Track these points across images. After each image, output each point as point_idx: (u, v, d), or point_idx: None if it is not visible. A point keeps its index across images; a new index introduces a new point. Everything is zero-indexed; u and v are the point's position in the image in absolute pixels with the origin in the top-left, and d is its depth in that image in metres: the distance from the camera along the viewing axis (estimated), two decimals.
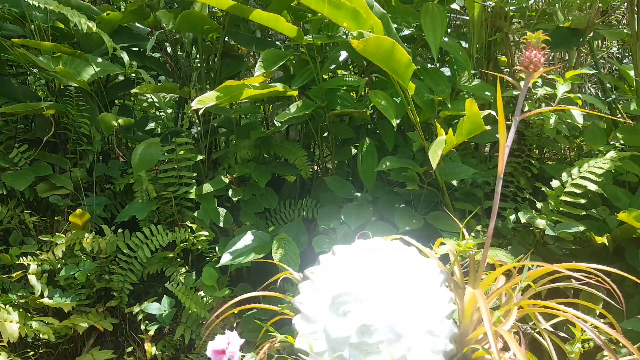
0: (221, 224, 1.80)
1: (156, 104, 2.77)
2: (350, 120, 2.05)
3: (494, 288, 1.05)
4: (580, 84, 2.85)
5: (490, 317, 0.80)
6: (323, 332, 0.98)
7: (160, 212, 1.89)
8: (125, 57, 1.79)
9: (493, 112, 1.29)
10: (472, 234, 1.15)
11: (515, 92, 1.58)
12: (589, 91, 2.79)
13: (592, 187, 1.59)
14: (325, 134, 2.05)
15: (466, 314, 0.97)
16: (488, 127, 1.29)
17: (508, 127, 1.03)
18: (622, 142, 1.77)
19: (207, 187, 1.78)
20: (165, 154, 1.83)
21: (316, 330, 0.99)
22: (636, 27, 1.71)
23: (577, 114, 1.49)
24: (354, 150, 2.00)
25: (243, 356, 0.95)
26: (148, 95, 2.54)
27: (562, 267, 1.01)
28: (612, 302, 1.24)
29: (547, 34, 1.75)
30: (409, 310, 0.95)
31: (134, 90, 1.76)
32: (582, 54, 2.68)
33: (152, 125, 2.41)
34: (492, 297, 1.00)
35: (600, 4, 1.59)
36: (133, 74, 2.12)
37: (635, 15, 1.72)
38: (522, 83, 0.99)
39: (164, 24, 1.74)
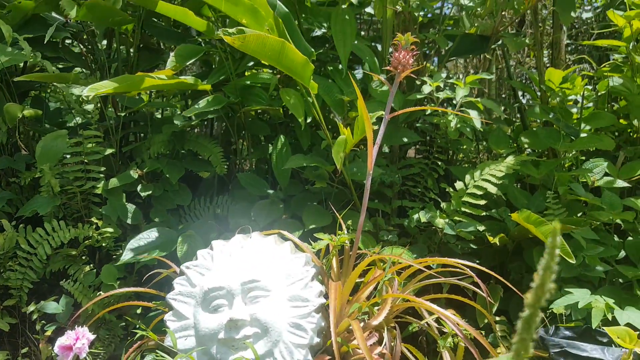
0: (129, 221, 1.76)
1: (83, 98, 2.69)
2: (270, 118, 2.05)
3: (371, 280, 1.07)
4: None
5: (336, 309, 0.81)
6: (193, 329, 0.97)
7: (66, 208, 1.83)
8: (26, 47, 1.72)
9: (382, 112, 1.31)
10: (345, 230, 1.16)
11: (419, 96, 1.61)
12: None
13: (492, 189, 1.64)
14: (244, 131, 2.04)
15: (337, 305, 0.98)
16: (376, 127, 1.31)
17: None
18: (526, 145, 1.84)
19: (113, 182, 1.74)
20: (73, 146, 1.77)
21: (187, 327, 0.98)
22: (540, 36, 1.78)
23: (475, 117, 1.54)
24: (271, 148, 2.00)
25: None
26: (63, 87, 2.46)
27: (424, 261, 1.03)
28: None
29: (456, 40, 1.81)
30: (276, 304, 0.95)
31: (20, 78, 1.70)
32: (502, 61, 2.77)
33: (78, 119, 2.33)
34: (365, 289, 1.02)
35: (504, 12, 1.65)
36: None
37: (539, 25, 1.79)
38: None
39: (69, 15, 1.68)
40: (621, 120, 1.94)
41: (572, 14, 1.54)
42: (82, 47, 2.13)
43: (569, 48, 3.47)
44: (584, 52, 3.23)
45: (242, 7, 1.30)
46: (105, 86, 1.35)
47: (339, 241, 1.02)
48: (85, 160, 1.79)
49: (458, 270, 1.28)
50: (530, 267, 1.69)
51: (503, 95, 3.00)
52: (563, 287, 1.54)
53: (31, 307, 1.60)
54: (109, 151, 1.82)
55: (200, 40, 2.06)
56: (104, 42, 2.26)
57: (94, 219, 1.74)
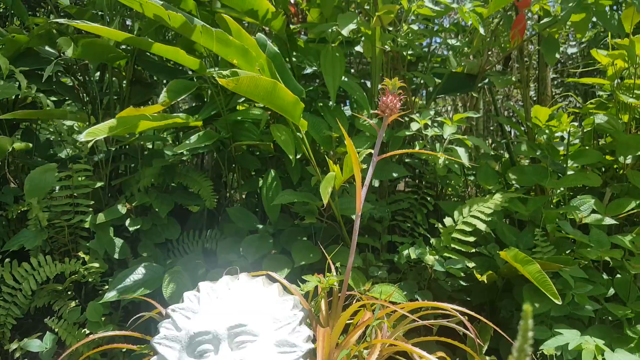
0: (116, 256, 1.75)
1: (75, 128, 2.70)
2: (260, 152, 2.06)
3: (359, 324, 1.06)
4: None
5: (324, 357, 0.80)
6: None
7: (53, 242, 1.81)
8: (22, 80, 1.73)
9: (371, 150, 1.32)
10: (334, 271, 1.16)
11: (407, 132, 1.63)
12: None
13: (481, 226, 1.64)
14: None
15: (325, 352, 0.97)
16: (364, 166, 1.32)
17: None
18: (514, 181, 1.86)
19: (101, 217, 1.73)
20: (62, 180, 1.76)
21: None
22: (526, 74, 1.82)
23: (464, 155, 1.56)
24: (261, 181, 2.00)
25: None
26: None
27: (414, 305, 1.03)
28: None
29: (444, 78, 1.84)
30: (263, 350, 0.94)
31: (6, 116, 1.70)
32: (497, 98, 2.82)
33: (69, 150, 2.33)
34: (354, 333, 1.01)
35: (489, 52, 1.69)
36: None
37: (525, 62, 1.82)
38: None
39: (65, 52, 1.70)
40: (607, 156, 1.96)
41: (557, 55, 1.58)
42: (74, 80, 2.15)
43: (555, 82, 3.54)
44: (570, 85, 3.29)
45: (233, 48, 1.32)
46: (102, 130, 1.36)
47: (327, 283, 1.01)
48: (74, 194, 1.79)
49: (448, 310, 1.28)
50: (520, 304, 1.69)
51: (491, 128, 3.04)
52: (553, 326, 1.53)
53: (14, 345, 1.57)
54: (98, 184, 1.82)
55: (193, 75, 2.08)
56: (97, 74, 2.28)
57: (80, 254, 1.73)
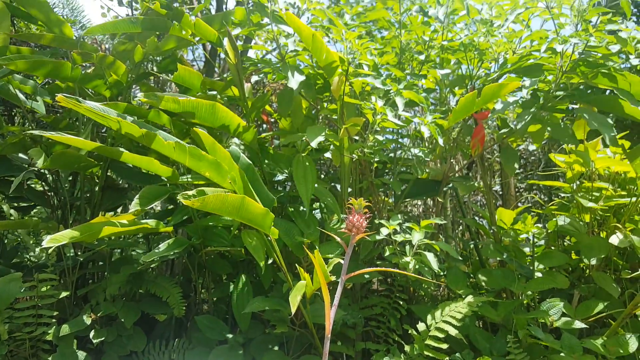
0: None
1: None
2: (231, 255, 2.05)
3: None
4: None
5: None
6: None
7: (13, 355, 1.72)
8: None
9: (342, 260, 1.34)
10: None
11: (377, 237, 1.66)
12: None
13: (453, 332, 1.63)
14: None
15: None
16: (333, 278, 1.33)
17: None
18: (483, 284, 1.88)
19: (65, 329, 1.66)
20: (26, 290, 1.71)
21: None
22: (488, 180, 1.90)
23: (433, 260, 1.58)
24: (232, 287, 1.97)
25: None
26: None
27: None
28: None
29: (410, 183, 1.91)
30: None
31: None
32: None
33: (34, 255, 2.28)
34: None
35: (452, 160, 1.77)
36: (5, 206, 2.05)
37: (487, 170, 1.91)
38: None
39: (36, 163, 1.72)
40: (573, 256, 2.01)
41: (516, 165, 1.66)
42: (44, 185, 2.15)
43: (519, 177, 3.68)
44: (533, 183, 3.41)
45: (205, 162, 1.36)
46: (66, 236, 1.35)
47: None
48: (39, 304, 1.73)
49: None
50: None
51: (460, 221, 3.10)
52: None
53: None
54: (63, 294, 1.76)
55: (166, 182, 2.11)
56: (69, 178, 2.28)
57: None
